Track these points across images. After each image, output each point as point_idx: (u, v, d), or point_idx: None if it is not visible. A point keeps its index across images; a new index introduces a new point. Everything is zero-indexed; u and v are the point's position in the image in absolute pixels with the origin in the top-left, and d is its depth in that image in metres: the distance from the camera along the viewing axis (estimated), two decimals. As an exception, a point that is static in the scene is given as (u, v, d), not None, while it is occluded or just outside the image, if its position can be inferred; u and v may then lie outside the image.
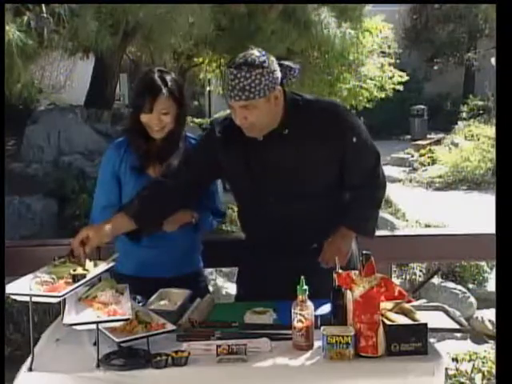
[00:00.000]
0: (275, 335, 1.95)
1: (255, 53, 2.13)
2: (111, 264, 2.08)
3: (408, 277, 7.14)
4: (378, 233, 2.47)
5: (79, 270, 1.96)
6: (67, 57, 8.89)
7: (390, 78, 12.36)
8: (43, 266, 2.00)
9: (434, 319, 2.12)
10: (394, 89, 12.45)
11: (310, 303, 1.89)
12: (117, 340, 1.82)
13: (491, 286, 7.17)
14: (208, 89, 15.75)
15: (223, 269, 6.29)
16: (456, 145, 14.92)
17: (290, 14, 8.70)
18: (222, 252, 2.81)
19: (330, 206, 2.31)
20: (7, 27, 5.52)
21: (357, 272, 1.91)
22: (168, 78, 2.41)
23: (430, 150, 15.32)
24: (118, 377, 1.78)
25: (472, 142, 14.61)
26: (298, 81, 2.32)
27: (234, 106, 2.15)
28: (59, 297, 1.80)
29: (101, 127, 9.59)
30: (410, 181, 13.75)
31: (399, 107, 17.76)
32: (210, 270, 5.48)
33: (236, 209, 2.57)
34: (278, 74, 2.15)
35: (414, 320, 1.93)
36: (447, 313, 2.26)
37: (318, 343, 1.88)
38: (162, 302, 2.18)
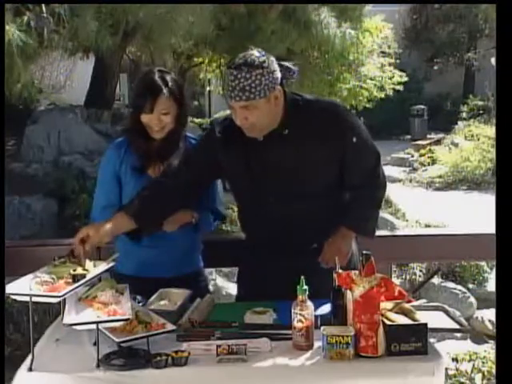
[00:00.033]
0: (275, 335, 1.95)
1: (255, 53, 2.13)
2: (111, 264, 2.08)
3: (408, 277, 7.14)
4: (378, 233, 2.46)
5: (79, 270, 1.96)
6: (67, 57, 8.89)
7: (390, 78, 12.36)
8: (43, 266, 2.00)
9: (434, 319, 2.12)
10: (393, 89, 12.46)
11: (309, 303, 1.89)
12: (117, 340, 1.82)
13: (491, 286, 7.17)
14: (208, 89, 15.75)
15: (223, 269, 6.28)
16: (456, 145, 14.93)
17: (289, 14, 8.71)
18: (222, 252, 2.81)
19: (329, 206, 2.31)
20: (7, 27, 5.52)
21: (357, 272, 1.91)
22: (168, 78, 2.41)
23: (430, 149, 15.33)
24: (117, 377, 1.78)
25: (472, 142, 14.61)
26: (297, 81, 2.32)
27: (235, 107, 2.15)
28: (59, 297, 1.80)
29: (101, 127, 9.60)
30: (410, 181, 13.75)
31: (399, 107, 17.76)
32: (210, 269, 5.47)
33: (236, 209, 2.57)
34: (278, 74, 2.16)
35: (414, 320, 1.93)
36: (447, 313, 2.26)
37: (317, 343, 1.88)
38: (162, 302, 2.18)
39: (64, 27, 6.36)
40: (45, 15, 6.13)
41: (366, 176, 2.34)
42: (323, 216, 2.29)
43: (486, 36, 19.24)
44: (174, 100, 2.40)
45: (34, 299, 1.81)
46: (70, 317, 1.83)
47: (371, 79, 11.78)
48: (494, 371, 3.96)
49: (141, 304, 2.14)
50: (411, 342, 1.85)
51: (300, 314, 1.87)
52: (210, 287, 2.83)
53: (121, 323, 1.85)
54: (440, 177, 13.47)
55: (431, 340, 1.91)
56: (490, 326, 6.28)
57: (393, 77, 12.43)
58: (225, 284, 6.47)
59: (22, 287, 1.85)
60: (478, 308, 6.93)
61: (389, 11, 14.09)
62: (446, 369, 3.85)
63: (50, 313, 4.13)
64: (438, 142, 16.25)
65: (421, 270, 7.14)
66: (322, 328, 1.86)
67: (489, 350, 4.66)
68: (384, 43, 12.50)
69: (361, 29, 10.61)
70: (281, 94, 2.20)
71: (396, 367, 1.82)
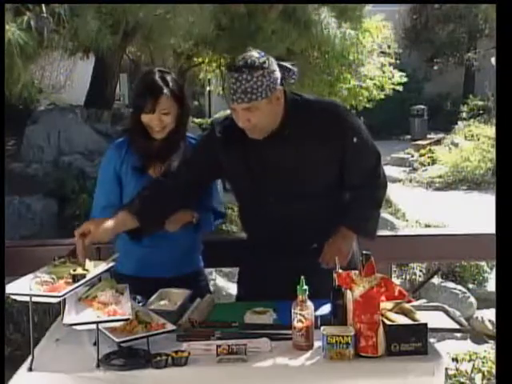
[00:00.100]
0: (275, 335, 1.95)
1: (255, 54, 2.13)
2: (111, 264, 2.08)
3: (408, 277, 7.15)
4: (378, 233, 2.46)
5: (79, 270, 1.96)
6: (67, 57, 8.89)
7: (390, 78, 12.36)
8: (43, 266, 2.00)
9: (434, 319, 2.12)
10: (393, 89, 12.46)
11: (310, 303, 1.89)
12: (117, 340, 1.82)
13: (491, 286, 7.17)
14: (208, 89, 15.76)
15: (223, 269, 6.29)
16: (456, 145, 14.93)
17: (290, 14, 8.71)
18: (222, 252, 2.81)
19: (330, 206, 2.31)
20: (7, 27, 5.52)
21: (357, 272, 1.91)
22: (169, 78, 2.41)
23: (430, 149, 15.33)
24: (117, 377, 1.78)
25: (472, 142, 14.61)
26: (298, 81, 2.31)
27: (237, 109, 2.15)
28: (59, 297, 1.80)
29: (101, 127, 9.60)
30: (410, 181, 13.75)
31: (399, 107, 17.76)
32: (210, 269, 5.47)
33: (236, 209, 2.57)
34: (278, 75, 2.16)
35: (414, 320, 1.93)
36: (447, 313, 2.26)
37: (317, 343, 1.88)
38: (162, 302, 2.18)
39: (64, 27, 6.36)
40: (45, 15, 6.13)
41: (366, 176, 2.34)
42: (323, 216, 2.29)
43: (486, 36, 19.24)
44: (175, 100, 2.40)
45: (34, 299, 1.81)
46: (69, 317, 1.83)
47: (371, 79, 11.78)
48: (493, 371, 3.96)
49: (141, 304, 2.14)
50: (411, 341, 1.85)
51: (300, 314, 1.87)
52: (210, 287, 2.82)
53: (121, 323, 1.85)
54: (440, 177, 13.48)
55: (431, 340, 1.91)
56: (490, 326, 6.28)
57: (393, 77, 12.43)
58: (225, 284, 6.47)
59: (22, 287, 1.84)
60: (478, 308, 6.93)
61: (389, 11, 14.09)
62: (446, 369, 3.85)
63: (50, 313, 4.13)
64: (438, 142, 16.25)
65: (421, 270, 7.14)
66: (322, 328, 1.86)
67: (489, 350, 4.66)
68: (384, 43, 12.50)
69: (361, 29, 10.62)
70: (281, 94, 2.20)
71: (396, 367, 1.82)
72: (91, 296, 1.93)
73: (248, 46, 2.18)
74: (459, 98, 19.15)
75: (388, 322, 1.88)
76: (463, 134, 15.59)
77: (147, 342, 1.84)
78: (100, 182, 2.54)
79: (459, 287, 7.13)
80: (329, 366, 1.82)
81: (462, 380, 4.02)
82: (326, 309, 2.04)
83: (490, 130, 14.36)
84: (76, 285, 1.88)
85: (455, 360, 4.26)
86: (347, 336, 1.82)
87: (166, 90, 2.37)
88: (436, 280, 7.03)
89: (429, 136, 17.58)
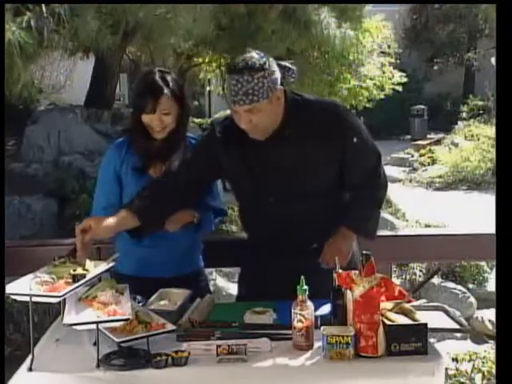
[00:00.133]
0: (275, 335, 1.95)
1: (254, 55, 2.12)
2: (111, 264, 2.08)
3: (408, 277, 7.14)
4: (378, 233, 2.46)
5: (79, 270, 1.95)
6: (67, 57, 8.89)
7: (390, 78, 12.37)
8: (43, 266, 2.00)
9: (434, 319, 2.12)
10: (393, 89, 12.46)
11: (310, 303, 1.89)
12: (117, 340, 1.82)
13: (491, 286, 7.16)
14: (208, 89, 15.76)
15: (223, 269, 6.28)
16: (456, 145, 14.93)
17: (290, 14, 8.71)
18: (222, 252, 2.81)
19: (330, 206, 2.31)
20: (7, 27, 5.52)
21: (357, 272, 1.91)
22: (169, 78, 2.41)
23: (430, 149, 15.33)
24: (117, 377, 1.78)
25: (472, 142, 14.61)
26: (298, 81, 2.32)
27: (238, 111, 2.14)
28: (59, 297, 1.80)
29: (101, 127, 9.60)
30: (410, 181, 13.75)
31: (399, 107, 17.76)
32: (210, 269, 5.48)
33: (236, 209, 2.57)
34: (278, 75, 2.16)
35: (414, 320, 1.93)
36: (447, 313, 2.26)
37: (318, 343, 1.88)
38: (162, 302, 2.18)
39: (64, 27, 6.36)
40: (45, 15, 6.13)
41: (366, 176, 2.34)
42: (323, 216, 2.29)
43: (486, 36, 19.24)
44: (175, 100, 2.40)
45: (34, 299, 1.81)
46: (69, 317, 1.83)
47: (371, 79, 11.78)
48: (493, 371, 3.96)
49: (141, 304, 2.14)
50: (411, 341, 1.85)
51: (300, 314, 1.87)
52: (210, 287, 2.82)
53: (121, 323, 1.85)
54: (440, 177, 13.47)
55: (431, 340, 1.91)
56: (490, 326, 6.28)
57: (393, 77, 12.44)
58: (225, 284, 6.47)
59: (22, 287, 1.84)
60: (478, 308, 6.93)
61: (389, 11, 14.09)
62: (446, 369, 3.85)
63: (50, 313, 4.13)
64: (438, 142, 16.25)
65: (421, 270, 7.13)
66: (322, 328, 1.86)
67: (489, 350, 4.66)
68: (384, 43, 12.50)
69: (361, 29, 10.62)
70: (282, 94, 2.20)
71: (396, 367, 1.82)
72: (91, 296, 1.93)
73: (248, 46, 2.18)
74: (459, 98, 19.15)
75: (388, 322, 1.88)
76: (463, 134, 15.59)
77: (147, 342, 1.84)
78: (100, 182, 2.54)
79: (459, 287, 7.12)
80: (329, 366, 1.82)
81: (461, 380, 4.02)
82: (325, 309, 2.04)
83: (490, 130, 14.36)
84: (76, 285, 1.88)
85: (455, 360, 4.26)
86: (347, 336, 1.82)
87: (166, 90, 2.37)
88: (436, 280, 7.02)
89: (429, 136, 17.58)
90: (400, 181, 13.50)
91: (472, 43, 20.50)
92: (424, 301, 3.69)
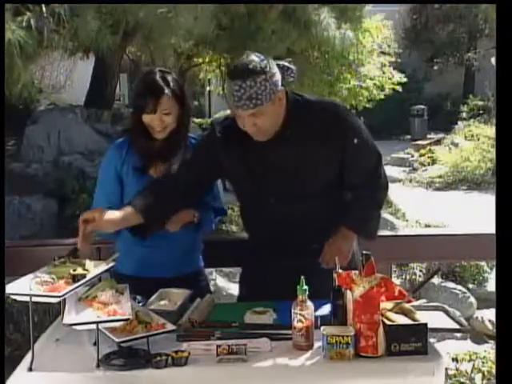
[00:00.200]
0: (275, 335, 1.95)
1: (255, 58, 2.11)
2: (111, 264, 2.08)
3: (408, 277, 7.15)
4: (378, 233, 2.46)
5: (79, 270, 1.96)
6: (67, 57, 8.89)
7: (390, 78, 12.37)
8: (43, 266, 2.00)
9: (434, 319, 2.12)
10: (393, 89, 12.47)
11: (309, 303, 1.89)
12: (117, 340, 1.82)
13: (491, 286, 7.17)
14: (208, 89, 15.77)
15: (223, 269, 6.28)
16: (456, 145, 14.93)
17: (290, 14, 8.71)
18: (222, 252, 2.81)
19: (330, 206, 2.31)
20: (7, 27, 5.52)
21: (357, 272, 1.91)
22: (169, 78, 2.41)
23: (430, 150, 15.34)
24: (117, 377, 1.78)
25: (472, 142, 14.62)
26: (298, 81, 2.31)
27: (242, 115, 2.14)
28: (59, 297, 1.80)
29: (101, 127, 9.60)
30: (410, 181, 13.75)
31: (399, 107, 17.77)
32: (210, 269, 5.48)
33: (236, 209, 2.57)
34: (279, 76, 2.15)
35: (414, 320, 1.93)
36: (447, 313, 2.26)
37: (317, 343, 1.88)
38: (162, 302, 2.18)
39: (64, 27, 6.36)
40: (45, 15, 6.13)
41: (366, 176, 2.33)
42: (323, 216, 2.29)
43: (486, 36, 19.24)
44: (176, 100, 2.40)
45: (34, 299, 1.81)
46: (69, 317, 1.83)
47: (371, 79, 11.79)
48: (493, 371, 3.96)
49: (141, 304, 2.14)
50: (411, 341, 1.85)
51: (300, 314, 1.87)
52: (211, 287, 2.82)
53: (121, 323, 1.85)
54: (440, 177, 13.48)
55: (431, 340, 1.91)
56: (490, 326, 6.28)
57: (393, 77, 12.44)
58: (225, 284, 6.47)
59: (22, 287, 1.84)
60: (478, 308, 6.93)
61: (389, 11, 14.09)
62: (446, 369, 3.85)
63: (50, 313, 4.13)
64: (438, 142, 16.26)
65: (421, 270, 7.14)
66: (322, 328, 1.86)
67: (489, 350, 4.66)
68: (384, 43, 12.51)
69: (361, 29, 10.62)
70: (283, 95, 2.20)
71: (396, 367, 1.82)
72: (91, 296, 1.93)
73: (248, 46, 2.17)
74: (459, 98, 19.15)
75: (388, 322, 1.88)
76: (463, 134, 15.60)
77: (147, 342, 1.84)
78: (100, 182, 2.54)
79: (459, 287, 7.13)
80: (329, 366, 1.82)
81: (462, 380, 4.02)
82: (325, 309, 2.04)
83: (490, 130, 14.37)
84: (76, 285, 1.88)
85: (455, 360, 4.26)
86: (347, 336, 1.82)
87: (167, 90, 2.37)
88: (436, 280, 7.03)
89: (429, 136, 17.59)
90: (400, 181, 13.50)
91: (472, 43, 20.51)
92: (424, 301, 3.69)
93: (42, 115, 9.83)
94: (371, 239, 2.37)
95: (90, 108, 9.90)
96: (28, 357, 1.83)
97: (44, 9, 6.13)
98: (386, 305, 1.95)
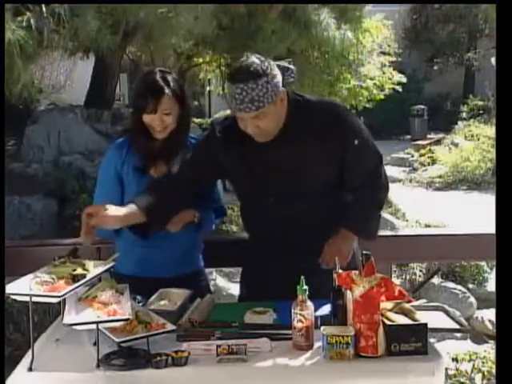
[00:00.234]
0: (275, 335, 1.95)
1: (255, 61, 2.11)
2: (111, 264, 2.08)
3: (408, 277, 7.14)
4: (378, 233, 2.46)
5: (79, 270, 1.96)
6: (67, 57, 8.89)
7: (390, 78, 12.37)
8: (43, 266, 2.00)
9: (434, 319, 2.12)
10: (393, 89, 12.46)
11: (310, 303, 1.89)
12: (117, 340, 1.82)
13: (491, 286, 7.16)
14: (208, 89, 15.76)
15: (224, 269, 6.28)
16: (456, 145, 14.93)
17: (290, 14, 8.71)
18: (222, 252, 2.80)
19: (330, 207, 2.31)
20: (7, 27, 5.52)
21: (357, 272, 1.91)
22: (170, 78, 2.41)
23: (430, 149, 15.33)
24: (117, 377, 1.78)
25: (472, 142, 14.62)
26: (298, 81, 2.31)
27: (244, 117, 2.14)
28: (59, 297, 1.80)
29: (101, 127, 9.60)
30: (410, 181, 13.75)
31: (399, 107, 17.77)
32: (210, 269, 5.47)
33: (236, 209, 2.57)
34: (280, 77, 2.15)
35: (414, 320, 1.93)
36: (447, 313, 2.26)
37: (318, 343, 1.88)
38: (162, 302, 2.18)
39: (64, 27, 6.36)
40: (45, 15, 6.13)
41: (367, 177, 2.33)
42: (323, 216, 2.29)
43: (486, 36, 19.24)
44: (176, 100, 2.40)
45: (34, 299, 1.81)
46: (69, 317, 1.83)
47: (371, 79, 11.79)
48: (493, 371, 3.96)
49: (141, 304, 2.14)
50: (411, 341, 1.85)
51: (300, 314, 1.87)
52: (211, 287, 2.82)
53: (121, 323, 1.85)
54: (440, 177, 13.48)
55: (431, 340, 1.91)
56: (490, 326, 6.28)
57: (393, 77, 12.44)
58: (225, 284, 6.47)
59: (22, 287, 1.84)
60: (478, 308, 6.93)
61: (389, 11, 14.09)
62: (446, 369, 3.85)
63: (50, 313, 4.13)
64: (438, 142, 16.25)
65: (421, 270, 7.13)
66: (322, 328, 1.86)
67: (489, 350, 4.66)
68: (384, 43, 12.51)
69: (361, 29, 10.62)
70: (285, 95, 2.19)
71: (396, 367, 1.82)
72: (91, 296, 1.93)
73: (248, 46, 2.17)
74: (459, 98, 19.15)
75: (388, 322, 1.88)
76: (463, 134, 15.60)
77: (147, 342, 1.84)
78: (100, 182, 2.54)
79: (459, 287, 7.12)
80: (329, 365, 1.82)
81: (462, 380, 4.02)
82: (326, 309, 2.04)
83: (490, 130, 14.36)
84: (76, 285, 1.88)
85: (455, 360, 4.26)
86: (347, 336, 1.82)
87: (167, 90, 2.37)
88: (436, 280, 7.02)
89: (429, 136, 17.58)
90: (400, 181, 13.50)
91: (472, 43, 20.51)
92: (424, 301, 3.69)
93: (41, 115, 9.83)
94: (371, 240, 2.37)
95: (90, 108, 9.90)
96: (28, 356, 1.84)
97: (44, 9, 6.13)
98: (386, 305, 1.95)
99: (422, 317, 1.96)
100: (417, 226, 8.90)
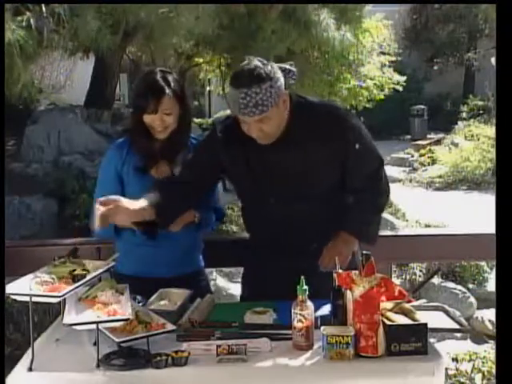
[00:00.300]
0: (275, 335, 1.95)
1: (258, 64, 2.10)
2: (111, 264, 2.08)
3: (408, 277, 7.14)
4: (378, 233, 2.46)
5: (79, 270, 1.96)
6: (67, 57, 8.90)
7: (390, 78, 12.37)
8: (43, 266, 2.00)
9: (434, 319, 2.12)
10: (393, 88, 12.46)
11: (310, 303, 1.89)
12: (117, 340, 1.82)
13: (491, 286, 7.16)
14: (208, 89, 15.76)
15: (224, 269, 6.28)
16: (456, 145, 14.93)
17: (290, 14, 8.72)
18: (223, 252, 2.81)
19: (330, 208, 2.30)
20: (7, 26, 5.52)
21: (357, 272, 1.91)
22: (170, 78, 2.41)
23: (430, 149, 15.33)
24: (117, 377, 1.78)
25: (472, 142, 14.61)
26: (298, 81, 2.31)
27: (248, 121, 2.13)
28: (59, 297, 1.80)
29: (101, 127, 9.61)
30: (410, 181, 13.75)
31: (399, 107, 17.76)
32: (210, 269, 5.47)
33: (236, 209, 2.57)
34: (282, 80, 2.14)
35: (414, 320, 1.93)
36: (447, 313, 2.26)
37: (318, 343, 1.88)
38: (162, 302, 2.18)
39: (64, 27, 6.37)
40: (45, 15, 6.13)
41: (367, 181, 2.32)
42: (324, 217, 2.28)
43: (486, 36, 19.23)
44: (177, 100, 2.40)
45: (34, 299, 1.81)
46: (69, 317, 1.83)
47: (371, 79, 11.79)
48: (493, 371, 3.96)
49: (141, 304, 2.14)
50: (411, 341, 1.85)
51: (300, 314, 1.87)
52: (211, 287, 2.82)
53: (121, 323, 1.85)
54: (440, 177, 13.47)
55: (431, 340, 1.91)
56: (490, 326, 6.28)
57: (393, 77, 12.44)
58: (225, 284, 6.47)
59: (22, 287, 1.85)
60: (478, 308, 6.93)
61: (389, 11, 14.09)
62: (446, 369, 3.85)
63: (50, 313, 4.13)
64: (438, 142, 16.25)
65: (421, 270, 7.13)
66: (322, 328, 1.86)
67: (489, 350, 4.65)
68: (384, 43, 12.51)
69: (361, 29, 10.62)
70: (287, 97, 2.19)
71: (396, 367, 1.82)
72: (91, 296, 1.93)
73: (248, 46, 2.17)
74: (459, 98, 19.14)
75: (388, 322, 1.88)
76: (463, 134, 15.59)
77: (147, 342, 1.84)
78: (100, 183, 2.54)
79: (459, 287, 7.12)
80: (329, 365, 1.82)
81: (461, 380, 4.01)
82: (325, 309, 2.04)
83: (490, 130, 14.36)
84: (76, 285, 1.88)
85: (455, 360, 4.25)
86: (347, 336, 1.82)
87: (168, 90, 2.37)
88: (436, 280, 7.02)
89: (429, 136, 17.57)
90: (400, 181, 13.49)
91: (472, 43, 20.50)
92: (424, 301, 3.69)
93: (41, 115, 9.84)
94: (372, 244, 2.35)
95: (90, 108, 9.91)
96: (28, 356, 1.84)
97: (44, 9, 6.13)
98: (386, 305, 1.95)
99: (422, 317, 1.96)
100: (417, 226, 8.90)
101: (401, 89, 12.62)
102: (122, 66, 10.89)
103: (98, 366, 1.79)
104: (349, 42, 9.25)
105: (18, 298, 1.85)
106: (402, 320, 1.93)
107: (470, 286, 7.36)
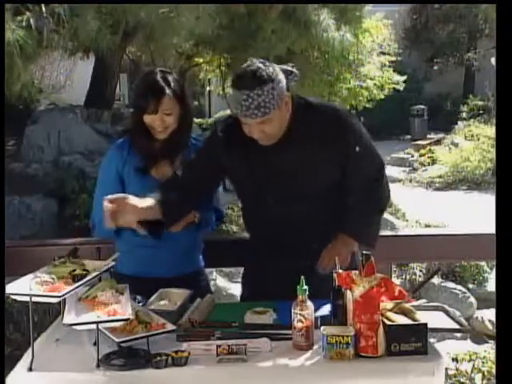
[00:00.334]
0: (275, 335, 1.95)
1: (260, 66, 2.09)
2: (111, 264, 2.08)
3: (408, 277, 7.14)
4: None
5: (79, 270, 1.96)
6: (67, 57, 8.90)
7: (390, 78, 12.37)
8: (43, 266, 2.00)
9: (434, 319, 2.12)
10: (394, 89, 12.46)
11: (309, 303, 1.89)
12: (117, 340, 1.82)
13: (491, 286, 7.17)
14: (208, 89, 15.76)
15: (224, 269, 6.28)
16: (456, 145, 14.93)
17: (290, 14, 8.72)
18: (223, 252, 2.81)
19: (329, 209, 2.30)
20: (7, 26, 5.52)
21: (357, 272, 1.91)
22: (170, 78, 2.40)
23: (430, 149, 15.33)
24: (117, 377, 1.78)
25: (472, 142, 14.61)
26: (298, 81, 2.30)
27: (250, 123, 2.13)
28: (59, 297, 1.80)
29: (101, 127, 9.61)
30: (410, 181, 13.75)
31: (399, 107, 17.76)
32: (210, 269, 5.47)
33: (236, 209, 2.57)
34: (284, 81, 2.14)
35: (414, 320, 1.93)
36: (447, 313, 2.26)
37: (318, 343, 1.88)
38: (162, 302, 2.18)
39: (64, 27, 6.37)
40: (45, 15, 6.13)
41: (368, 183, 2.32)
42: (323, 218, 2.28)
43: (486, 36, 19.23)
44: (177, 100, 2.39)
45: (34, 299, 1.81)
46: (69, 317, 1.83)
47: (371, 79, 11.79)
48: (493, 371, 3.96)
49: (141, 304, 2.14)
50: (411, 341, 1.85)
51: (300, 314, 1.87)
52: (211, 287, 2.82)
53: (121, 323, 1.85)
54: (440, 177, 13.47)
55: (431, 340, 1.91)
56: (490, 326, 6.28)
57: (393, 77, 12.44)
58: (225, 284, 6.47)
59: (22, 287, 1.85)
60: (478, 308, 6.94)
61: (389, 11, 14.09)
62: (446, 369, 3.85)
63: (50, 313, 4.13)
64: (438, 142, 16.25)
65: (421, 270, 7.14)
66: (322, 328, 1.86)
67: (489, 350, 4.65)
68: (384, 43, 12.51)
69: (360, 29, 10.62)
70: (289, 99, 2.19)
71: (396, 367, 1.82)
72: (91, 296, 1.93)
73: (248, 46, 2.17)
74: (459, 98, 19.14)
75: (388, 322, 1.88)
76: (463, 134, 15.59)
77: (147, 342, 1.84)
78: (101, 183, 2.53)
79: (459, 287, 7.13)
80: (329, 365, 1.82)
81: (462, 380, 4.02)
82: (326, 309, 2.04)
83: (490, 130, 14.36)
84: (76, 285, 1.88)
85: (455, 360, 4.25)
86: (347, 336, 1.82)
87: (168, 91, 2.36)
88: (436, 280, 7.03)
89: (429, 136, 17.57)
90: (400, 181, 13.50)
91: (472, 43, 20.50)
92: (424, 301, 3.68)
93: (41, 115, 9.84)
94: (371, 246, 2.34)
95: (90, 108, 9.91)
96: (28, 356, 1.84)
97: (44, 9, 6.13)
98: (386, 305, 1.95)
99: (422, 317, 1.96)
100: (417, 226, 8.90)
101: (401, 89, 12.61)
102: (122, 65, 10.89)
103: (98, 365, 1.79)
104: (349, 42, 9.25)
105: (18, 298, 1.85)
106: (402, 320, 1.93)
107: (470, 286, 7.36)
